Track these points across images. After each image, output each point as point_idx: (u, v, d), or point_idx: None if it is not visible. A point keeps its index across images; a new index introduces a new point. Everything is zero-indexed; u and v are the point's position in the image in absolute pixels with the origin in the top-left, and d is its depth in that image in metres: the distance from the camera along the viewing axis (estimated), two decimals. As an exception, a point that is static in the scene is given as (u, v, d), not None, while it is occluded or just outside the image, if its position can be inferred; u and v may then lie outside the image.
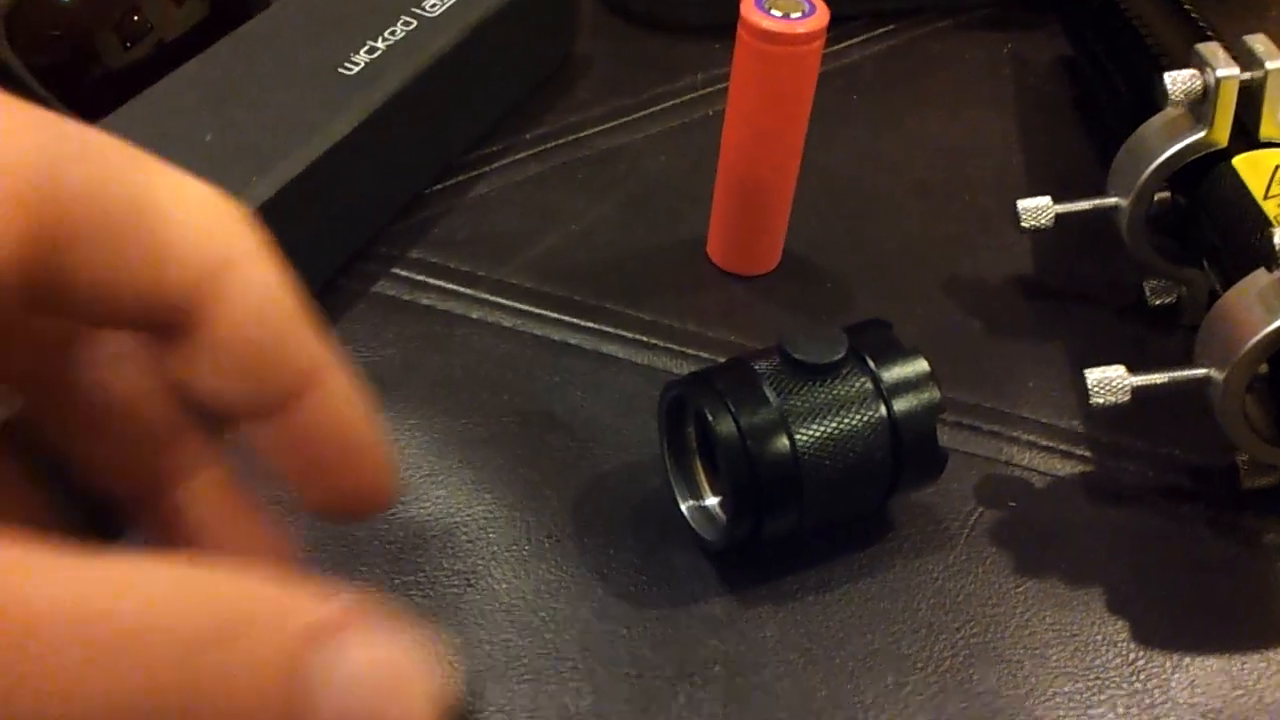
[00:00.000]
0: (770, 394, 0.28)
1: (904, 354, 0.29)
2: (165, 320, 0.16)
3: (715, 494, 0.30)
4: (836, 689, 0.28)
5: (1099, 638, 0.29)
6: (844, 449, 0.28)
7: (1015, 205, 0.36)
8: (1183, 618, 0.30)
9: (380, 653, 0.14)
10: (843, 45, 0.49)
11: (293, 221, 0.34)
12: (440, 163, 0.41)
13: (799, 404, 0.28)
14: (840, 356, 0.28)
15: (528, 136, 0.43)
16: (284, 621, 0.14)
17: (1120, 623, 0.30)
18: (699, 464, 0.31)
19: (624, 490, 0.32)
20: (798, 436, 0.27)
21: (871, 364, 0.29)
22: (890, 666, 0.28)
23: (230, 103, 0.35)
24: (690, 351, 0.36)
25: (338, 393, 0.18)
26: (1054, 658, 0.29)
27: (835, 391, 0.28)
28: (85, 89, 0.39)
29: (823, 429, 0.28)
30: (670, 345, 0.36)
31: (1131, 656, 0.29)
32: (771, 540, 0.29)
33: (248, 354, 0.17)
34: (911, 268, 0.39)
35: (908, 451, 0.28)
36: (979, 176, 0.43)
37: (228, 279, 0.16)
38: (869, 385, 0.28)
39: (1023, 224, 0.36)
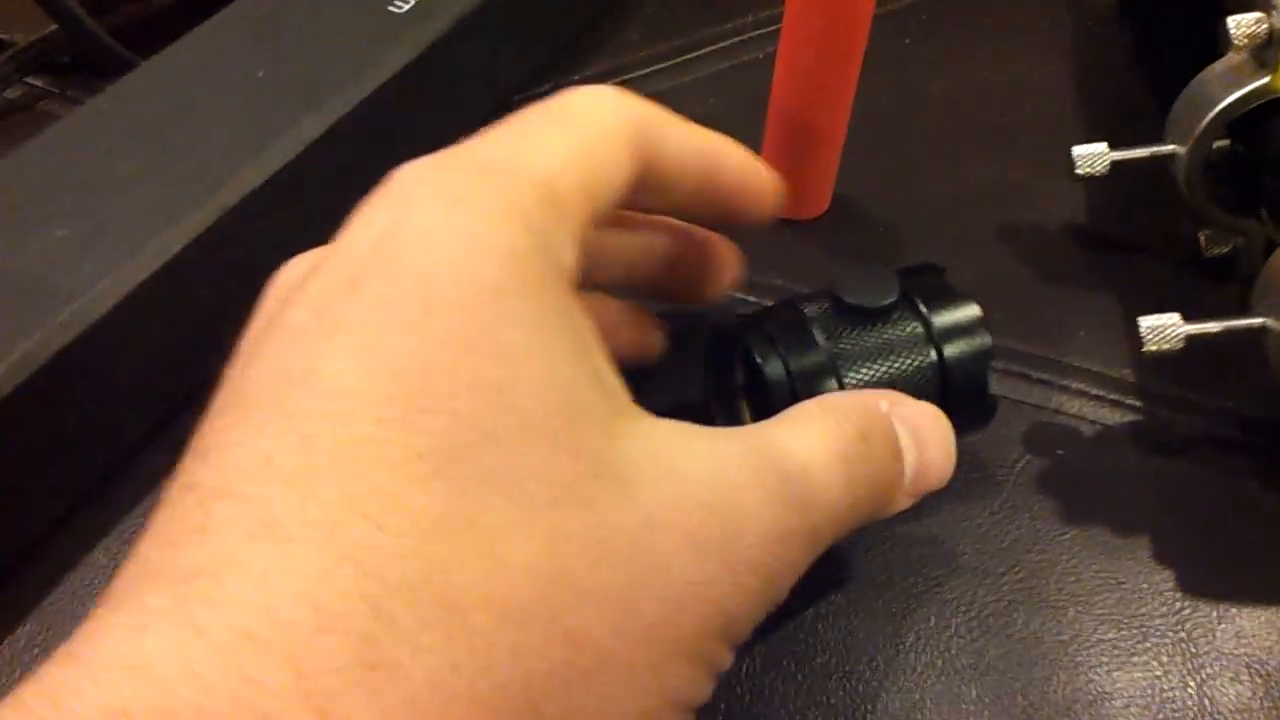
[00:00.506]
0: (820, 337, 0.28)
1: (956, 299, 0.29)
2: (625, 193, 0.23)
3: None
4: (877, 630, 0.28)
5: (1144, 586, 0.29)
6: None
7: (1070, 151, 0.36)
8: (1230, 569, 0.30)
9: (919, 405, 0.25)
10: (897, -13, 0.48)
11: (344, 158, 0.34)
12: (490, 103, 0.41)
13: (849, 347, 0.28)
14: (891, 301, 0.28)
15: (576, 77, 0.43)
16: (876, 409, 0.24)
17: (1166, 572, 0.30)
18: (744, 406, 0.31)
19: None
20: (847, 380, 0.27)
21: (923, 308, 0.28)
22: (932, 609, 0.29)
23: (281, 39, 0.35)
24: (739, 295, 0.36)
25: (738, 157, 0.27)
26: (1098, 605, 0.29)
27: (885, 335, 0.28)
28: (138, 24, 0.39)
29: (872, 372, 0.27)
30: (717, 288, 0.36)
31: (1177, 606, 0.29)
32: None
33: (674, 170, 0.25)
34: (964, 213, 0.39)
35: (957, 397, 0.28)
36: (1034, 120, 0.43)
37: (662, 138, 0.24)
38: (920, 329, 0.28)
39: (1077, 170, 0.36)
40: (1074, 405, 0.33)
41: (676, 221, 0.30)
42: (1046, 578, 0.29)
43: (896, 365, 0.28)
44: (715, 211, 0.27)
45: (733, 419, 0.31)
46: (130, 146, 0.32)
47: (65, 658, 0.15)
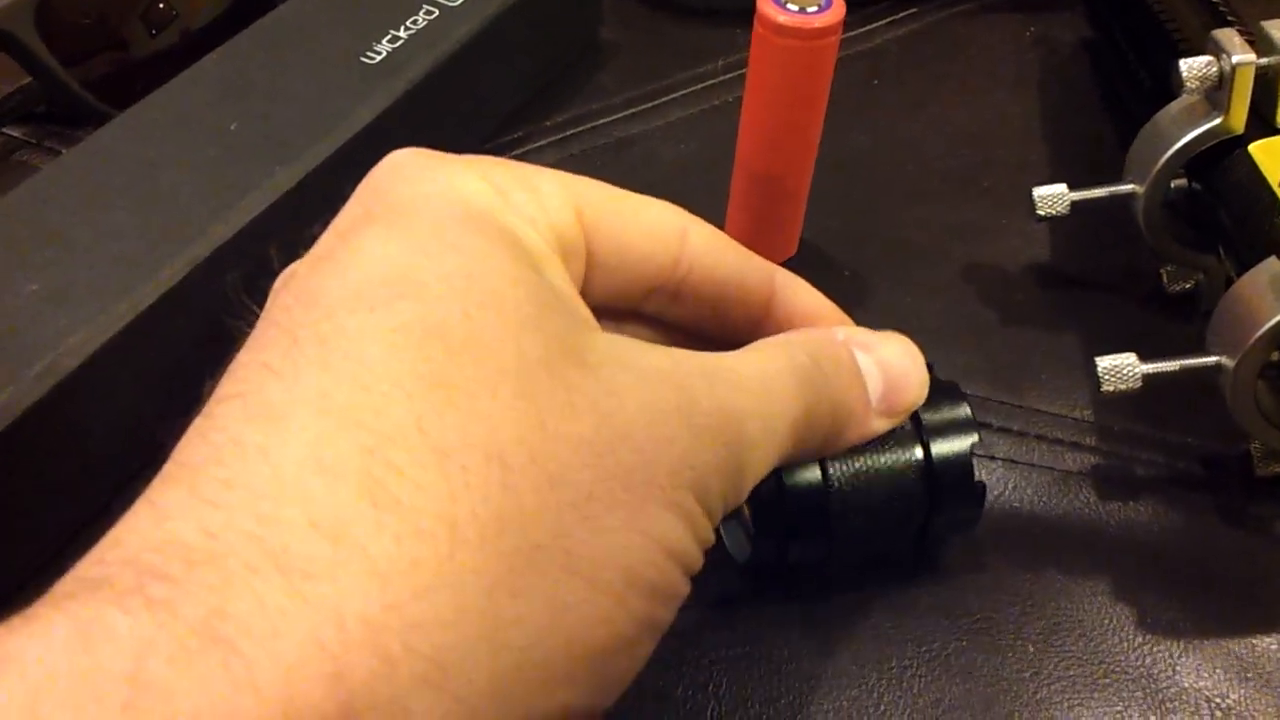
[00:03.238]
0: None
1: (948, 398, 0.29)
2: (662, 281, 0.25)
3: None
4: (840, 671, 0.28)
5: (1105, 624, 0.30)
6: (876, 486, 0.28)
7: (1031, 193, 0.36)
8: (1191, 605, 0.30)
9: (886, 334, 0.26)
10: (865, 29, 0.49)
11: (315, 210, 0.34)
12: (461, 150, 0.42)
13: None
14: None
15: (548, 124, 0.44)
16: (831, 338, 0.25)
17: (1129, 610, 0.30)
18: None
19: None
20: (831, 469, 0.28)
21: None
22: (894, 649, 0.29)
23: (254, 92, 0.36)
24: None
25: (792, 285, 0.27)
26: (1059, 643, 0.29)
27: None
28: (112, 77, 0.40)
29: (856, 465, 0.28)
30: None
31: (1138, 643, 0.29)
32: (797, 566, 0.29)
33: (726, 287, 0.26)
34: (930, 256, 0.40)
35: (944, 493, 0.28)
36: (1000, 162, 0.44)
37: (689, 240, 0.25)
38: (908, 427, 0.28)
39: (1039, 212, 0.36)
40: (1036, 451, 0.34)
41: None
42: (1007, 617, 0.30)
43: (882, 460, 0.28)
44: (698, 304, 0.26)
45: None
46: (102, 201, 0.32)
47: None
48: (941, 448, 0.28)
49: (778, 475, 0.27)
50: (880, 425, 0.25)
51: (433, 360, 0.18)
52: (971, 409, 0.29)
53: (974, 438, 0.28)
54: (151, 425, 0.31)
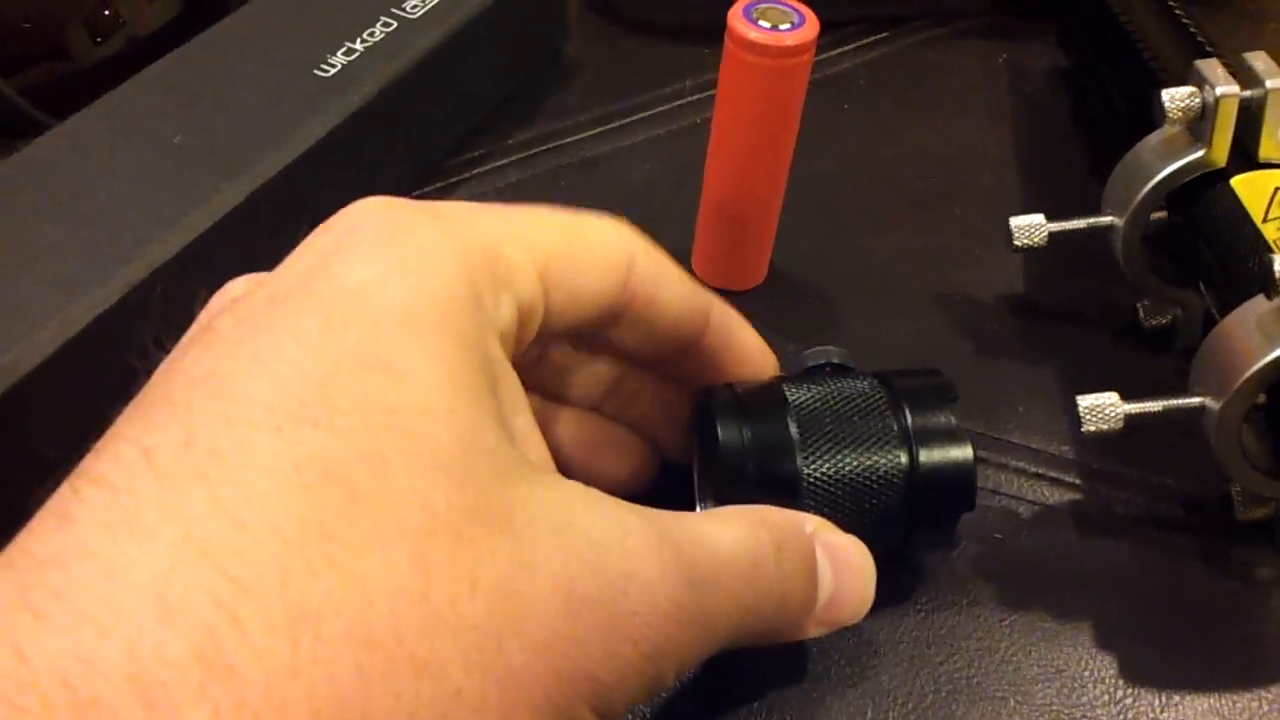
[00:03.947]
0: (792, 425, 0.27)
1: (942, 404, 0.28)
2: (609, 312, 0.24)
3: None
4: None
5: (1086, 673, 0.28)
6: (858, 487, 0.27)
7: (1008, 223, 0.35)
8: (1173, 654, 0.29)
9: (846, 537, 0.24)
10: (835, 52, 0.48)
11: (261, 229, 0.33)
12: (419, 168, 0.40)
13: (818, 439, 0.27)
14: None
15: (510, 142, 0.42)
16: (801, 529, 0.24)
17: (1108, 658, 0.29)
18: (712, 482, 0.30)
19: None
20: (808, 469, 0.26)
21: (906, 410, 0.27)
22: (869, 700, 0.27)
23: (201, 104, 0.34)
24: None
25: (728, 318, 0.27)
26: (1039, 694, 0.28)
27: (858, 429, 0.27)
28: (54, 85, 0.38)
29: (837, 465, 0.26)
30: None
31: (1119, 694, 0.28)
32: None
33: (665, 315, 0.25)
34: (901, 283, 0.39)
35: (925, 509, 0.27)
36: (972, 188, 0.43)
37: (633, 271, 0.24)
38: (894, 428, 0.27)
39: (1015, 243, 0.35)
40: (1013, 484, 0.33)
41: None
42: (985, 666, 0.28)
43: (865, 461, 0.27)
44: (694, 368, 0.28)
45: (704, 487, 0.30)
46: (38, 216, 0.30)
47: None
48: (930, 457, 0.27)
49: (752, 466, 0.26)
50: (814, 632, 0.24)
51: (326, 508, 0.17)
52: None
53: (968, 451, 0.27)
54: (88, 448, 0.29)
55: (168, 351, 0.20)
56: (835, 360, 0.29)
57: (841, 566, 0.24)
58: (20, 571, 0.16)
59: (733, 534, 0.22)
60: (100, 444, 0.18)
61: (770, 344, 0.29)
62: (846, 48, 0.49)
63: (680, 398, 0.29)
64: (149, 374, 0.20)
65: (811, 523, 0.24)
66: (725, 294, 0.37)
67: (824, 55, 0.48)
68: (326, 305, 0.18)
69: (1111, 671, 0.29)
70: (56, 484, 0.18)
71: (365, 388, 0.18)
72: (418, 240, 0.20)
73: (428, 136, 0.40)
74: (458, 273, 0.20)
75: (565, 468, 0.29)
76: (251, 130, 0.34)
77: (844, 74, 0.47)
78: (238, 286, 0.22)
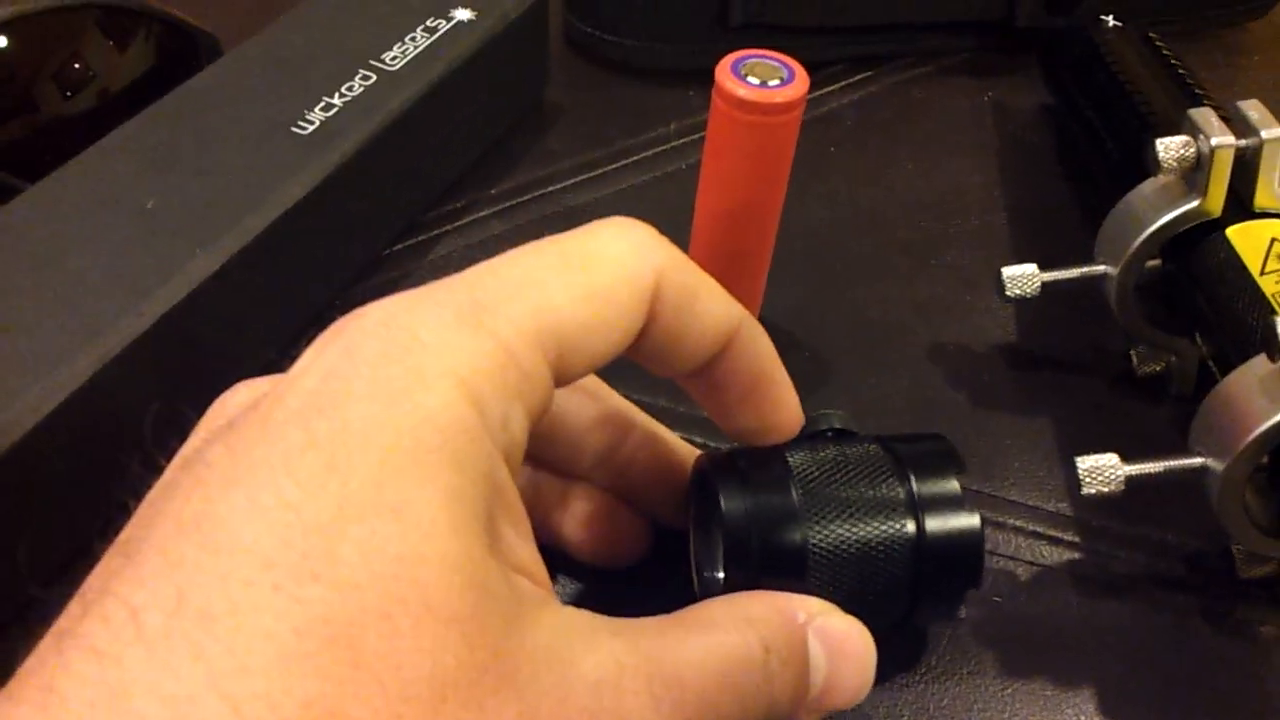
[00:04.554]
0: (795, 492, 0.26)
1: (948, 470, 0.27)
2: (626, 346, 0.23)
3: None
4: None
5: (1092, 744, 0.28)
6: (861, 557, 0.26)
7: (1000, 273, 0.35)
8: (1177, 716, 0.28)
9: (845, 620, 0.24)
10: (821, 92, 0.48)
11: (240, 294, 0.32)
12: (400, 223, 0.40)
13: (820, 504, 0.26)
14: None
15: (493, 191, 0.42)
16: (792, 620, 0.23)
17: (1113, 727, 0.28)
18: (716, 543, 0.29)
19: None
20: (812, 538, 0.25)
21: (912, 478, 0.26)
22: (872, 780, 0.27)
23: (175, 166, 0.33)
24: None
25: (754, 334, 0.25)
26: (1045, 769, 0.27)
27: (863, 493, 0.26)
28: (19, 144, 0.37)
29: (842, 534, 0.26)
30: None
31: (1126, 766, 0.27)
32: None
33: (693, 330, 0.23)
34: (893, 334, 0.38)
35: (932, 579, 0.26)
36: (962, 233, 0.42)
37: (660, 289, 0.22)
38: (900, 495, 0.26)
39: (1008, 293, 0.35)
40: (1011, 543, 0.32)
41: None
42: (990, 741, 0.28)
43: (871, 530, 0.26)
44: (718, 404, 0.26)
45: (711, 548, 0.29)
46: (4, 288, 0.29)
47: None
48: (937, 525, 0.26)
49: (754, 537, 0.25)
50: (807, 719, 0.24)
51: (329, 679, 0.15)
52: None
53: (975, 520, 0.26)
54: (68, 528, 0.28)
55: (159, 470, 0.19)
56: (837, 425, 0.28)
57: (838, 654, 0.23)
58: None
59: (719, 643, 0.21)
60: (88, 591, 0.17)
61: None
62: (831, 87, 0.48)
63: (674, 464, 0.29)
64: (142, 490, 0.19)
65: (806, 609, 0.23)
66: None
67: (809, 95, 0.47)
68: (329, 443, 0.17)
69: (1117, 741, 0.28)
70: (42, 620, 0.17)
71: (372, 535, 0.16)
72: (419, 363, 0.18)
73: (409, 191, 0.40)
74: (464, 396, 0.18)
75: (558, 548, 0.29)
76: (226, 194, 0.33)
77: (830, 115, 0.47)
78: (240, 395, 0.21)
